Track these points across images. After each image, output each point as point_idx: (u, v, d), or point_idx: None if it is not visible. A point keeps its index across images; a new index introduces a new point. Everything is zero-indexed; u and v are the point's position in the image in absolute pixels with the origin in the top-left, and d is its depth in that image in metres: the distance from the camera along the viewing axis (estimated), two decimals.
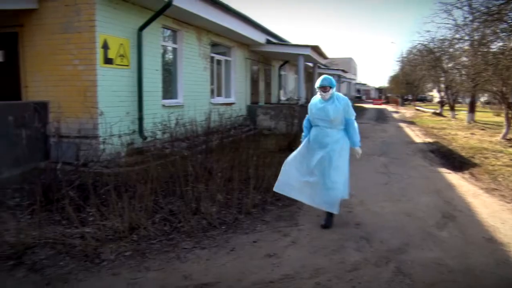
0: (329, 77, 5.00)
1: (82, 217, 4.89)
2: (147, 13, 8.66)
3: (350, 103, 5.00)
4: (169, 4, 8.40)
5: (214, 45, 12.81)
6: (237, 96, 14.73)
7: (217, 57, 13.38)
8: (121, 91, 8.20)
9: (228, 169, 6.27)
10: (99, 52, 7.59)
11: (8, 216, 4.80)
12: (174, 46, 10.66)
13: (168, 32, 10.44)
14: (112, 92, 7.94)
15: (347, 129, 5.00)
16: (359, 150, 5.09)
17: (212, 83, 12.72)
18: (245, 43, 15.05)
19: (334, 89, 4.99)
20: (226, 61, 14.25)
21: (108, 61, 7.80)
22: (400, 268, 3.84)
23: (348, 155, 5.03)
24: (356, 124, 5.05)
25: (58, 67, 7.88)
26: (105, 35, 7.71)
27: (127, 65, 8.35)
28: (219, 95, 13.68)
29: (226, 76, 14.34)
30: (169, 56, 10.73)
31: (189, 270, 3.80)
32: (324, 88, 4.91)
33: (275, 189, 5.18)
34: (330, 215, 4.99)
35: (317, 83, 4.94)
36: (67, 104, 7.76)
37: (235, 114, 13.69)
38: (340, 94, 5.06)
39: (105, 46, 7.71)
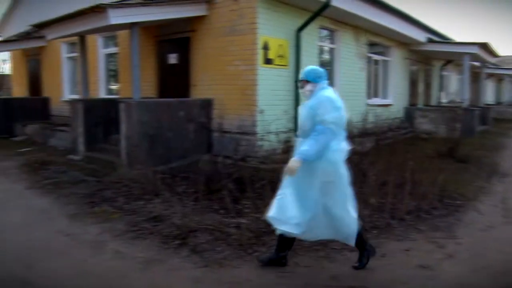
0: (311, 67, 3.76)
1: (238, 208, 5.21)
2: (305, 15, 8.81)
3: (327, 104, 3.54)
4: (327, 5, 8.43)
5: (371, 44, 12.48)
6: (395, 98, 14.14)
7: (374, 57, 13.02)
8: (279, 90, 8.49)
9: (383, 172, 6.08)
10: (260, 53, 7.98)
11: (176, 201, 5.36)
12: (331, 46, 10.67)
13: (325, 32, 10.48)
14: (271, 91, 8.27)
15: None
16: (293, 162, 3.51)
17: (368, 84, 12.44)
18: (404, 42, 14.36)
19: (320, 84, 3.67)
20: (384, 61, 13.78)
21: (268, 61, 8.16)
22: None
23: (336, 184, 3.55)
24: (321, 137, 3.48)
25: (222, 68, 8.50)
26: (266, 37, 8.08)
27: (285, 65, 8.63)
28: (375, 96, 13.30)
29: (383, 76, 13.88)
30: (326, 56, 10.77)
31: (337, 271, 3.80)
32: (301, 83, 3.76)
33: None
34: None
35: None
36: (229, 102, 8.34)
37: (392, 116, 13.18)
38: (327, 91, 3.66)
39: (265, 47, 8.08)
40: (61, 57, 13.87)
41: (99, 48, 12.03)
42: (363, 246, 3.84)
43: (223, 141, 8.18)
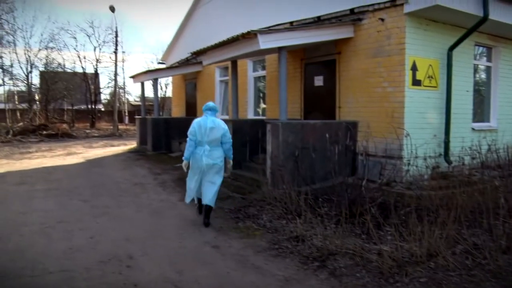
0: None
1: (381, 234, 5.08)
2: (457, 31, 8.31)
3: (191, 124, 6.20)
4: (484, 19, 7.79)
5: None
6: None
7: None
8: (428, 113, 8.13)
9: None
10: (408, 74, 7.74)
11: (317, 222, 5.42)
12: (488, 64, 9.83)
13: (481, 50, 9.72)
14: (419, 114, 7.96)
15: None
16: (183, 163, 6.26)
17: None
18: None
19: (204, 113, 6.26)
20: None
21: (416, 82, 7.87)
22: None
23: (201, 170, 6.13)
24: (187, 144, 6.14)
25: (368, 89, 8.44)
26: (414, 57, 7.81)
27: (435, 87, 8.22)
28: None
29: None
30: (481, 75, 9.98)
31: None
32: None
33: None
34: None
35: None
36: (374, 124, 8.23)
37: None
38: (199, 118, 6.22)
39: (414, 68, 7.81)
40: (215, 80, 15.08)
41: (249, 72, 12.82)
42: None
43: (368, 164, 7.97)
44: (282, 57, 8.15)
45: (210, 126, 6.03)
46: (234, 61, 10.37)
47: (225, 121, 9.84)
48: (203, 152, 6.01)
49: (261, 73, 12.51)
